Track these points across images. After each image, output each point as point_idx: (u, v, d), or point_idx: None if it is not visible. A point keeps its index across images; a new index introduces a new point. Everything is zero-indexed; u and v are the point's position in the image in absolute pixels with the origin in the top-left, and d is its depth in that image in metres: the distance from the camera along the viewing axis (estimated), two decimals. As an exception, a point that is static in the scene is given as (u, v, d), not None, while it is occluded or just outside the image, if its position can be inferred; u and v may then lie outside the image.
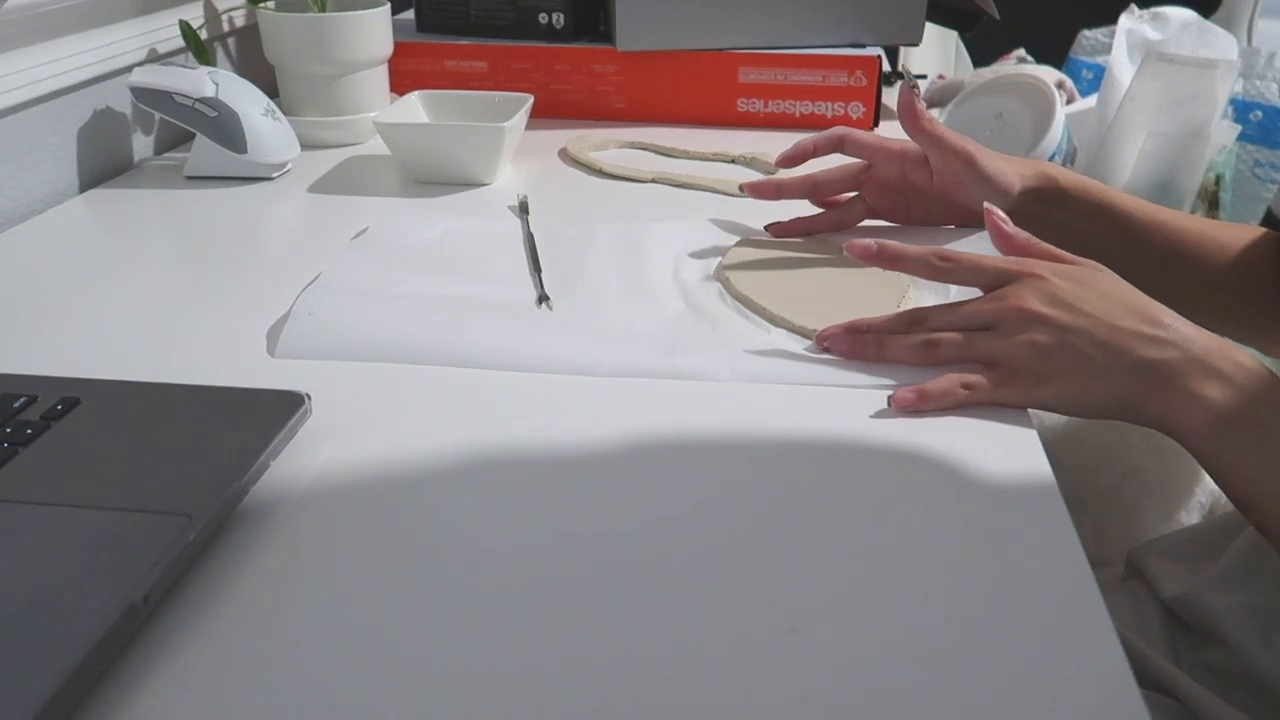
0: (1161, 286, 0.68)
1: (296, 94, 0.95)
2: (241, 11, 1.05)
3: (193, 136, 0.85)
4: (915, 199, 0.73)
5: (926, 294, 0.64)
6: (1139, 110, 1.37)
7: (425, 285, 0.64)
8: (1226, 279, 0.71)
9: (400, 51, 1.00)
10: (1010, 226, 0.58)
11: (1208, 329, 0.52)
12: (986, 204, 0.59)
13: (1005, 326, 0.53)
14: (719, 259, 0.68)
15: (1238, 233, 0.72)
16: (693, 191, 0.85)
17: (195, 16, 0.97)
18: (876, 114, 1.02)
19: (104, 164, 0.88)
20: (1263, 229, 0.73)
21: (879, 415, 0.52)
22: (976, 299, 0.55)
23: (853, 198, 0.73)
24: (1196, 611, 0.60)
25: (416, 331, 0.58)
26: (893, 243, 0.58)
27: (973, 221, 0.71)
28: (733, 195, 0.83)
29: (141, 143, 0.93)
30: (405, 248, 0.69)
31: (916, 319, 0.56)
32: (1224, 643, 0.58)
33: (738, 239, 0.70)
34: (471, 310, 0.61)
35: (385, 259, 0.67)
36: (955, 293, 0.63)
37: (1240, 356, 0.51)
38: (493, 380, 0.54)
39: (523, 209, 0.77)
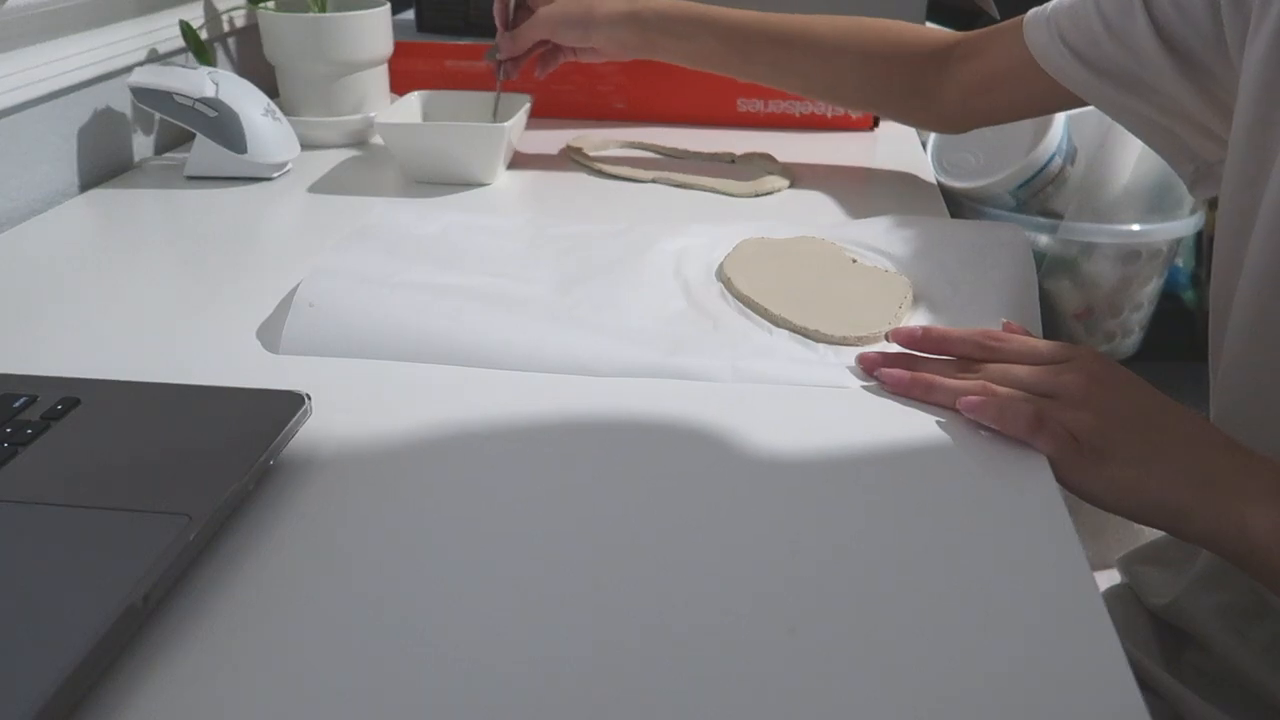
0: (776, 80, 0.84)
1: (296, 94, 0.95)
2: (241, 11, 1.05)
3: (193, 136, 0.85)
4: None
5: (928, 296, 0.64)
6: (1139, 110, 1.37)
7: (427, 275, 0.63)
8: (826, 73, 0.81)
9: (400, 51, 1.00)
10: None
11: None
12: (1004, 321, 0.58)
13: (1065, 397, 0.50)
14: (720, 260, 0.68)
15: (844, 24, 0.80)
16: (693, 191, 0.85)
17: (195, 16, 0.97)
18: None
19: (104, 164, 0.88)
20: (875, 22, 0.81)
21: (879, 417, 0.52)
22: (1035, 368, 0.52)
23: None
24: (1180, 617, 0.61)
25: (420, 325, 0.58)
26: (937, 327, 0.56)
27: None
28: (733, 195, 0.83)
29: (141, 143, 0.93)
30: (405, 239, 0.69)
31: (970, 368, 0.54)
32: (1206, 645, 0.58)
33: (739, 240, 0.70)
34: (474, 303, 0.60)
35: (386, 248, 0.67)
36: (956, 296, 0.64)
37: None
38: (493, 380, 0.54)
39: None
